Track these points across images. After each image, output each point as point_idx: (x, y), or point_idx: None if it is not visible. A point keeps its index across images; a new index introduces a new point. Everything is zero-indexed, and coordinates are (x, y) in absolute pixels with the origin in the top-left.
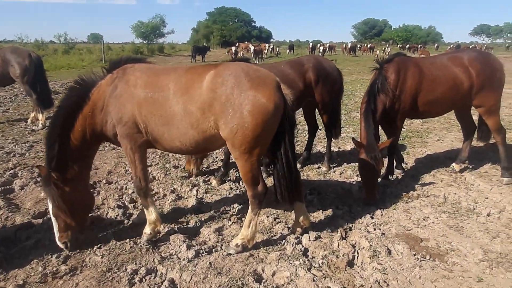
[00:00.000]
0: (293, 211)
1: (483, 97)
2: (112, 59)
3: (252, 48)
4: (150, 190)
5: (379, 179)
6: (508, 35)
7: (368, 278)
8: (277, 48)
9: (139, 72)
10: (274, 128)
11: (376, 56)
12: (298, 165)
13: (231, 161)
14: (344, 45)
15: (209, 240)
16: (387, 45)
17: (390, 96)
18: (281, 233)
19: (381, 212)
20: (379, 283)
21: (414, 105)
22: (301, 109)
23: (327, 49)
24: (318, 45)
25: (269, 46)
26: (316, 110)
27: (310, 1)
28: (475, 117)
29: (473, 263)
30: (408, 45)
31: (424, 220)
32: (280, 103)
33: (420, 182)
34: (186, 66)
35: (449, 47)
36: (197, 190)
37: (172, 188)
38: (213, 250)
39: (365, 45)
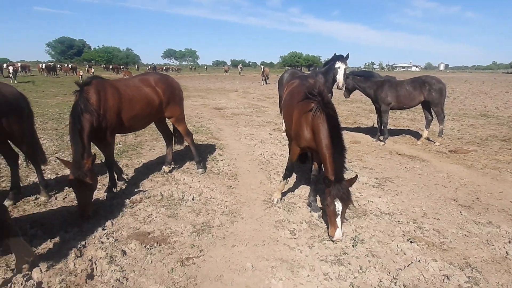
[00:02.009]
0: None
1: (171, 110)
2: None
3: None
4: None
5: (106, 193)
6: (190, 58)
7: (108, 281)
8: None
9: None
10: None
11: (80, 77)
12: (9, 202)
13: None
14: (41, 64)
15: None
16: (87, 66)
17: (95, 115)
18: (3, 278)
19: (111, 222)
20: (119, 280)
21: (120, 121)
22: None
23: (19, 69)
24: (6, 64)
25: None
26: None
27: None
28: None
29: (187, 236)
30: (111, 66)
31: (148, 217)
32: None
33: (141, 188)
34: None
35: (147, 68)
36: None
37: None
38: None
39: (66, 65)
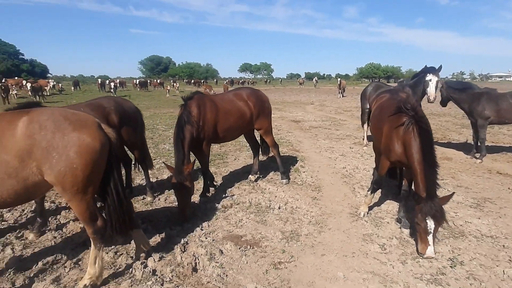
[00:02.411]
0: (132, 240)
1: (261, 122)
2: None
3: (29, 85)
4: None
5: (201, 197)
6: (265, 71)
7: (211, 275)
8: (60, 85)
9: None
10: (103, 165)
11: (167, 91)
12: None
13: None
14: (135, 80)
15: None
16: (172, 81)
17: (195, 127)
18: (126, 263)
19: (208, 224)
20: (220, 276)
21: (215, 132)
22: None
23: (118, 85)
24: (108, 81)
25: (51, 83)
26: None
27: (90, 34)
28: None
29: (277, 242)
30: (193, 80)
31: (240, 222)
32: (105, 141)
33: (230, 194)
34: None
35: (225, 82)
36: (12, 249)
37: None
38: None
39: (155, 80)
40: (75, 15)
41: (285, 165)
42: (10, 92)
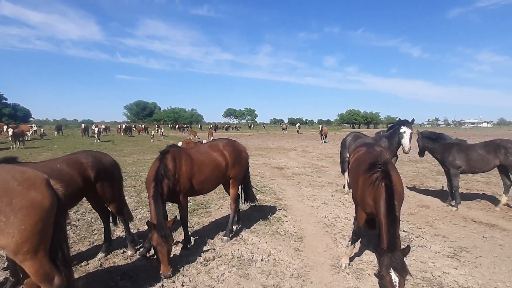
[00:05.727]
0: None
1: (235, 172)
2: None
3: (10, 130)
4: None
5: (182, 250)
6: (249, 117)
7: None
8: (42, 129)
9: None
10: (52, 222)
11: (152, 136)
12: (102, 254)
13: None
14: (119, 125)
15: None
16: (156, 125)
17: (172, 180)
18: None
19: (189, 279)
20: None
21: (191, 185)
22: None
23: (102, 129)
24: (93, 125)
25: (34, 128)
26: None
27: (75, 79)
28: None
29: None
30: (177, 125)
31: (221, 276)
32: (54, 198)
33: (213, 246)
34: None
35: (209, 127)
36: None
37: None
38: None
39: (140, 125)
40: (62, 61)
41: (268, 214)
42: None
